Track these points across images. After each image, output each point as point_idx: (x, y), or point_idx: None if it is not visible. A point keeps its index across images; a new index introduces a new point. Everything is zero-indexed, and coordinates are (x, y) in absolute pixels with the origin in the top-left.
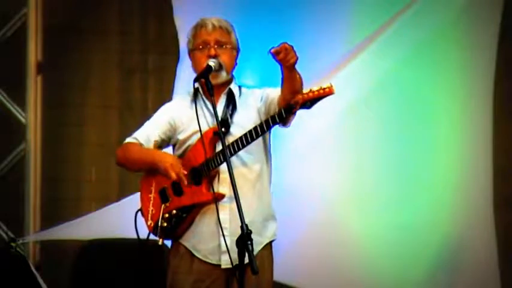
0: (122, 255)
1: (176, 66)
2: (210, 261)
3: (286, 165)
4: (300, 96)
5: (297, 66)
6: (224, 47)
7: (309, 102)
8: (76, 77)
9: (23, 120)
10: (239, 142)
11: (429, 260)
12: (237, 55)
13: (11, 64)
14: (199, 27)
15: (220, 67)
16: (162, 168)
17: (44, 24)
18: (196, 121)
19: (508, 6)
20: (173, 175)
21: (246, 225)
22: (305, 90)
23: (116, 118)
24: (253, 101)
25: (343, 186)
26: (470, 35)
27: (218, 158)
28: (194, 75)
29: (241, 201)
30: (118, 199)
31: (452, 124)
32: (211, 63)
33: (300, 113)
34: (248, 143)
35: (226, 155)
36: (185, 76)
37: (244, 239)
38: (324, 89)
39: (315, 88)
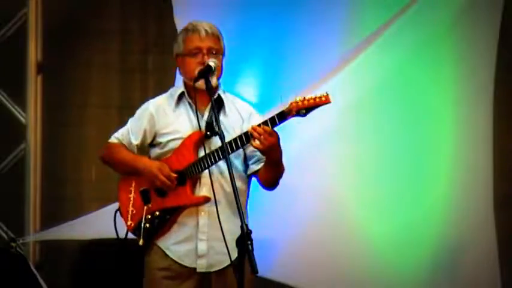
0: (122, 255)
1: (176, 66)
2: (181, 263)
3: (286, 164)
4: (294, 104)
5: (297, 67)
6: (215, 54)
7: (304, 110)
8: (76, 77)
9: (23, 120)
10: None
11: (429, 259)
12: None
13: (11, 64)
14: (191, 32)
15: (215, 70)
16: (149, 175)
17: (44, 24)
18: (180, 124)
19: (508, 6)
20: (162, 180)
21: (246, 224)
22: (299, 97)
23: (116, 118)
24: (238, 118)
25: (343, 186)
26: (470, 35)
27: (202, 162)
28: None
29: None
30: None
31: (452, 124)
32: (212, 63)
33: None
34: (233, 151)
35: (207, 161)
36: None
37: (244, 239)
38: (320, 97)
39: (309, 96)
